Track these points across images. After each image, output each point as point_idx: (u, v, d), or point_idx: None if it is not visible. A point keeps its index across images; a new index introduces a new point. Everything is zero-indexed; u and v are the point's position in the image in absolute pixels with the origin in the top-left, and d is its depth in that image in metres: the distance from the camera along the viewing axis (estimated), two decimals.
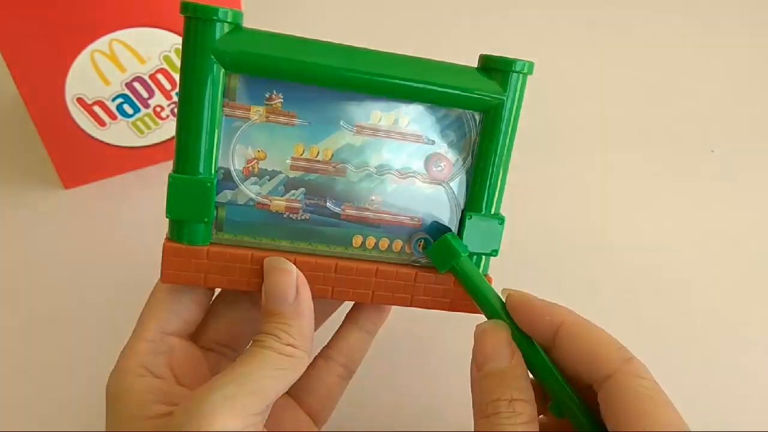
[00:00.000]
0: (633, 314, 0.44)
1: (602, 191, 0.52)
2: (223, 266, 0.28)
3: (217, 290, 0.32)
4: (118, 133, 0.46)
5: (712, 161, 0.56)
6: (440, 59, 0.29)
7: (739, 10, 0.73)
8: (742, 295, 0.46)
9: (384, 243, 0.30)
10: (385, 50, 0.28)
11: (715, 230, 0.50)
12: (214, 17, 0.25)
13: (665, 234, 0.49)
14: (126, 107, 0.44)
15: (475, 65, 0.29)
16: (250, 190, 0.28)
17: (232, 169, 0.28)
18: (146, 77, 0.44)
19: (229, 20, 0.25)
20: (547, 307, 0.28)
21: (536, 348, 0.28)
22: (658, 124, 0.59)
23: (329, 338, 0.34)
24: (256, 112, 0.27)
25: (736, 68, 0.66)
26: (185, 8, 0.25)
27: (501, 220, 0.30)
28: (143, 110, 0.45)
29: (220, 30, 0.25)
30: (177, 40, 0.43)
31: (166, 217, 0.27)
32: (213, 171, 0.27)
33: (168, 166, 0.48)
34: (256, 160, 0.28)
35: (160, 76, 0.44)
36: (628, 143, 0.57)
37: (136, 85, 0.44)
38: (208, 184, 0.27)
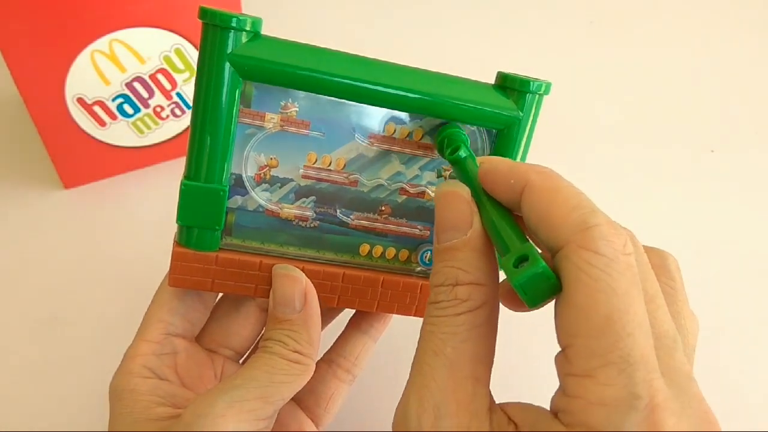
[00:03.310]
0: None
1: (601, 191, 0.52)
2: (232, 272, 0.28)
3: None
4: (118, 133, 0.45)
5: (712, 161, 0.56)
6: (440, 58, 0.29)
7: (739, 10, 0.73)
8: (741, 295, 0.46)
9: (391, 252, 0.30)
10: (396, 60, 0.28)
11: (714, 230, 0.50)
12: (233, 25, 0.25)
13: (664, 234, 0.49)
14: (126, 107, 0.44)
15: (480, 69, 0.29)
16: (260, 197, 0.28)
17: (244, 175, 0.28)
18: (146, 77, 0.43)
19: (247, 28, 0.25)
20: (513, 169, 0.23)
21: (503, 214, 0.23)
22: (658, 124, 0.59)
23: (332, 342, 0.34)
24: (271, 120, 0.27)
25: (736, 68, 0.66)
26: (204, 14, 0.25)
27: None
28: (143, 110, 0.45)
29: (238, 38, 0.25)
30: (177, 40, 0.43)
31: (177, 223, 0.27)
32: (225, 179, 0.27)
33: (168, 166, 0.49)
34: (268, 167, 0.28)
35: (160, 76, 0.44)
36: (628, 143, 0.57)
37: (136, 85, 0.43)
38: (221, 193, 0.27)
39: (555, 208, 0.21)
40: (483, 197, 0.24)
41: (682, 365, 0.20)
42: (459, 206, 0.23)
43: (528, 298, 0.20)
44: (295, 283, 0.28)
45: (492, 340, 0.22)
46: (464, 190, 0.24)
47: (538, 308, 0.21)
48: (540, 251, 0.21)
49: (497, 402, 0.22)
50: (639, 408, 0.18)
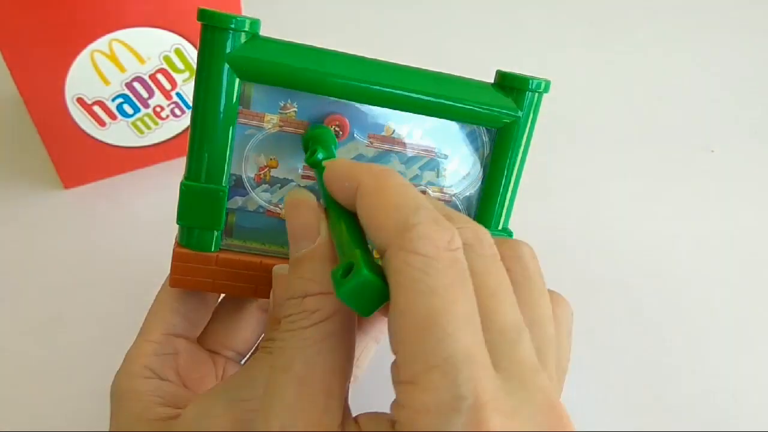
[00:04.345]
0: (633, 314, 0.44)
1: (602, 191, 0.53)
2: (232, 273, 0.28)
3: None
4: (118, 133, 0.45)
5: (712, 161, 0.56)
6: (440, 59, 0.29)
7: (738, 11, 0.73)
8: (742, 295, 0.46)
9: None
10: (398, 62, 0.28)
11: (715, 230, 0.50)
12: (231, 26, 0.25)
13: (665, 234, 0.50)
14: (126, 107, 0.44)
15: (479, 68, 0.29)
16: (260, 198, 0.28)
17: (243, 176, 0.28)
18: (146, 77, 0.43)
19: (246, 29, 0.25)
20: (349, 171, 0.22)
21: (345, 220, 0.22)
22: (658, 124, 0.59)
23: None
24: (270, 121, 0.27)
25: (736, 69, 0.66)
26: (202, 15, 0.25)
27: (509, 235, 0.30)
28: (143, 110, 0.45)
29: (237, 39, 0.25)
30: (177, 40, 0.43)
31: (177, 223, 0.27)
32: (225, 180, 0.27)
33: (168, 166, 0.49)
34: (268, 168, 0.28)
35: (160, 76, 0.44)
36: (629, 143, 0.57)
37: (136, 85, 0.44)
38: (221, 193, 0.27)
39: (379, 210, 0.20)
40: (330, 203, 0.23)
41: (527, 357, 0.19)
42: (305, 215, 0.23)
43: (357, 308, 0.19)
44: None
45: (348, 351, 0.21)
46: (310, 198, 0.24)
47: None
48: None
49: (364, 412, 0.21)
50: (463, 410, 0.17)
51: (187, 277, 0.28)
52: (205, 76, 0.25)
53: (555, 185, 0.52)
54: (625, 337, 0.42)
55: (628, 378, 0.40)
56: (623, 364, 0.41)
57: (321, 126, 0.27)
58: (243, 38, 0.25)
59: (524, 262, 0.23)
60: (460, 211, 0.30)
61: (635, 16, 0.72)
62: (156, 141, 0.47)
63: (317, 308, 0.21)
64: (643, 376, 0.40)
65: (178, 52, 0.43)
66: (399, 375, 0.18)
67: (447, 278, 0.18)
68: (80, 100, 0.42)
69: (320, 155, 0.25)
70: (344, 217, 0.22)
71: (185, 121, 0.47)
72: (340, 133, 0.28)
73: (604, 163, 0.55)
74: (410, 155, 0.29)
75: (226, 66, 0.25)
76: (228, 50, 0.25)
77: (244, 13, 0.43)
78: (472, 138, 0.29)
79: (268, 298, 0.28)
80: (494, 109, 0.28)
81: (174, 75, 0.44)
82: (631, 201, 0.52)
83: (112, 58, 0.42)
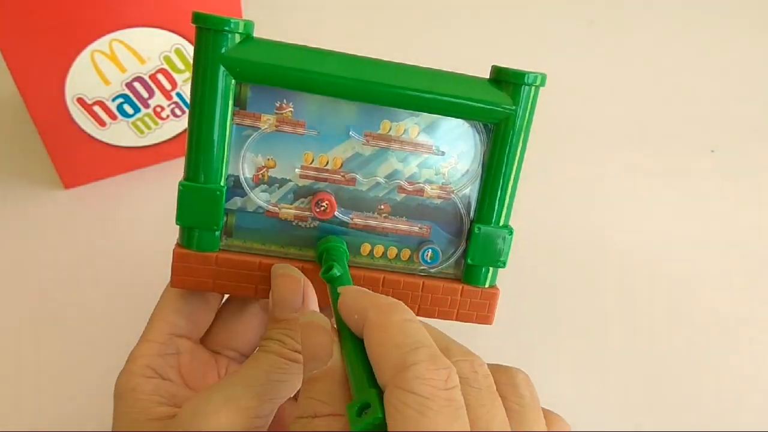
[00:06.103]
0: (633, 314, 0.44)
1: (602, 191, 0.53)
2: (232, 272, 0.28)
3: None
4: (118, 133, 0.45)
5: (712, 161, 0.56)
6: (438, 59, 0.29)
7: (739, 11, 0.73)
8: (742, 294, 0.46)
9: (392, 252, 0.30)
10: (393, 60, 0.28)
11: (715, 230, 0.50)
12: (226, 28, 0.25)
13: (665, 234, 0.50)
14: (126, 107, 0.44)
15: (480, 70, 0.29)
16: (259, 198, 0.28)
17: (241, 176, 0.28)
18: (146, 77, 0.44)
19: (240, 31, 0.25)
20: (358, 303, 0.23)
21: (357, 349, 0.23)
22: (658, 124, 0.59)
23: None
24: (266, 121, 0.27)
25: (736, 68, 0.66)
26: (197, 19, 0.25)
27: (510, 231, 0.29)
28: (143, 110, 0.45)
29: (231, 40, 0.25)
30: (177, 40, 0.43)
31: (176, 223, 0.28)
32: (223, 180, 0.27)
33: (168, 166, 0.49)
34: (265, 168, 0.28)
35: (160, 76, 0.44)
36: (629, 143, 0.57)
37: (136, 85, 0.44)
38: (218, 193, 0.27)
39: (381, 347, 0.20)
40: (343, 327, 0.23)
41: None
42: (318, 337, 0.23)
43: None
44: (294, 283, 0.28)
45: None
46: (323, 321, 0.24)
47: None
48: None
49: None
50: None
51: (187, 277, 0.28)
52: (201, 78, 0.26)
53: (554, 185, 0.52)
54: (625, 336, 0.42)
55: (628, 377, 0.40)
56: (623, 364, 0.41)
57: (334, 239, 0.28)
58: (237, 40, 0.26)
59: (519, 391, 0.23)
60: (459, 209, 0.30)
61: (635, 15, 0.72)
62: (156, 141, 0.47)
63: (326, 429, 0.21)
64: (643, 375, 0.40)
65: (178, 52, 0.43)
66: None
67: (442, 417, 0.19)
68: (80, 100, 0.42)
69: (336, 272, 0.26)
70: (357, 344, 0.22)
71: (185, 121, 0.47)
72: (327, 209, 0.28)
73: (604, 162, 0.55)
74: (408, 153, 0.29)
75: (222, 68, 0.26)
76: (223, 52, 0.25)
77: (244, 16, 0.43)
78: (470, 134, 0.29)
79: (268, 297, 0.28)
80: (489, 104, 0.28)
81: (174, 75, 0.44)
82: (631, 201, 0.52)
83: (112, 58, 0.42)
